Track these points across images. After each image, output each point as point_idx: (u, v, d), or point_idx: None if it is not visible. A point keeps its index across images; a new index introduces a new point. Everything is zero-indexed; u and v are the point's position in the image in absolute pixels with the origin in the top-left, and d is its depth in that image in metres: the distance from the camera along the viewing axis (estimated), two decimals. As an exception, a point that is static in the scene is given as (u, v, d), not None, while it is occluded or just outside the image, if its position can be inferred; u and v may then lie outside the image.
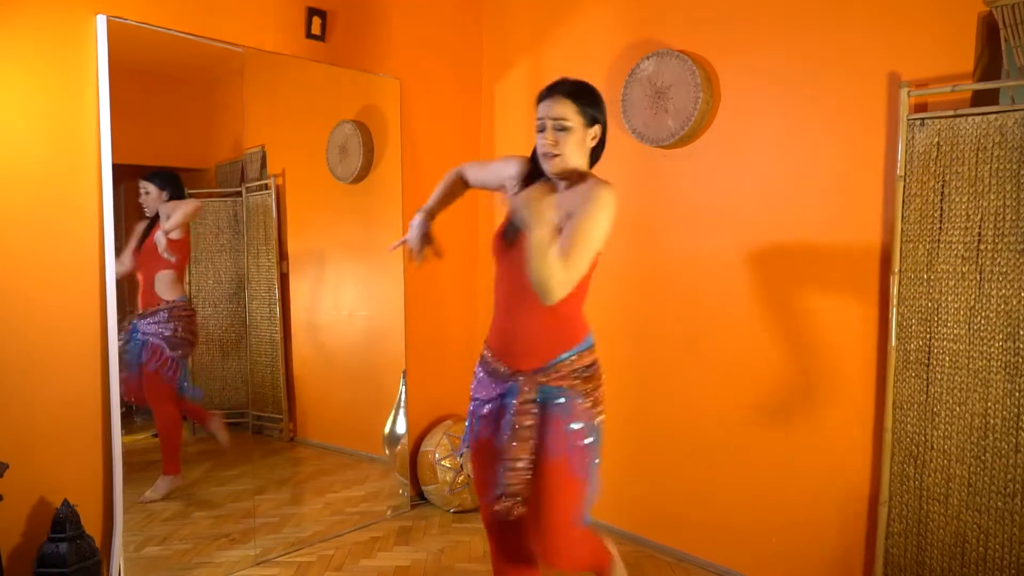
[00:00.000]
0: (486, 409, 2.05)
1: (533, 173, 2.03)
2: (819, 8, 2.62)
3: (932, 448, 2.38)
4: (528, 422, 1.94)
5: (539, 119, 1.94)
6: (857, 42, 2.53)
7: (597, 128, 1.97)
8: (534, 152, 2.01)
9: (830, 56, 2.60)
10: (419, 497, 3.72)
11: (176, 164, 3.38)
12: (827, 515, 2.67)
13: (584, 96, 1.94)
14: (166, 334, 3.10)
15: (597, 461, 2.00)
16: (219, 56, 3.13)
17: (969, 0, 2.28)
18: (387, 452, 3.76)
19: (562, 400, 1.94)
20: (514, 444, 1.94)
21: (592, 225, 1.84)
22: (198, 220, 3.41)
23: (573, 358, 1.97)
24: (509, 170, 2.10)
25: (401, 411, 3.70)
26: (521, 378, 1.97)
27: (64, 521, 2.35)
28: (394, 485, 3.74)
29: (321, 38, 3.15)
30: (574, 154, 1.93)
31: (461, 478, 3.52)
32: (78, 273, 2.58)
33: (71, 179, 2.55)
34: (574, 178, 1.97)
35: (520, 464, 1.94)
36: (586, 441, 1.95)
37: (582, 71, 3.36)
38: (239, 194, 3.42)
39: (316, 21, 3.09)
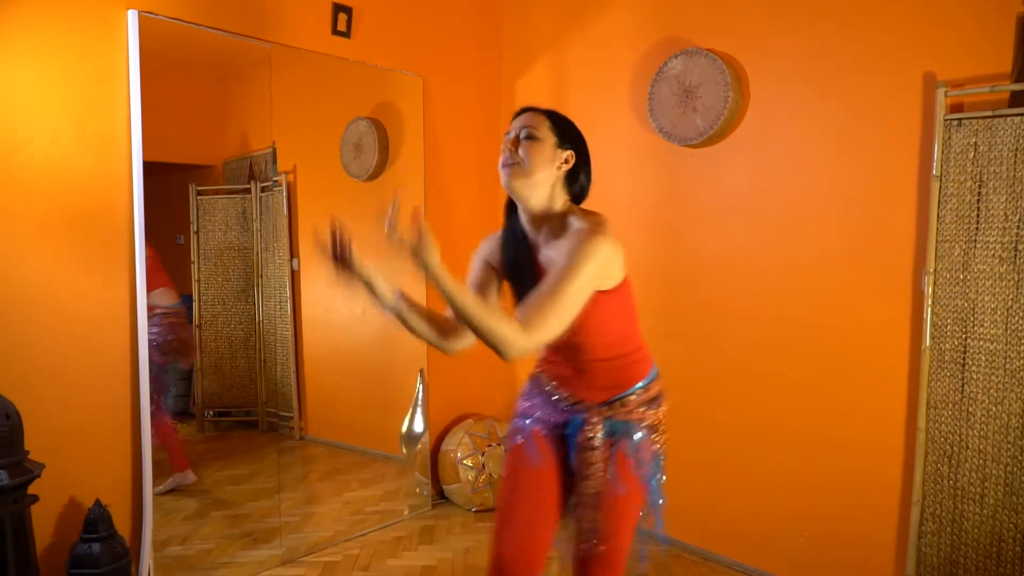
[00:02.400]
0: (542, 430, 1.84)
1: (509, 218, 1.83)
2: (852, 7, 2.62)
3: (967, 448, 2.39)
4: (599, 459, 1.76)
5: (507, 134, 1.75)
6: (891, 42, 2.53)
7: (570, 153, 1.73)
8: (508, 201, 1.82)
9: (863, 56, 2.60)
10: (439, 496, 3.71)
11: (183, 160, 3.36)
12: (856, 514, 2.67)
13: (561, 119, 1.76)
14: (157, 340, 3.03)
15: (661, 501, 1.86)
16: (229, 52, 3.11)
17: (1007, 0, 2.28)
18: (404, 451, 3.75)
19: (631, 435, 1.78)
20: (589, 482, 1.75)
21: (573, 284, 1.54)
22: (207, 218, 3.39)
23: (640, 392, 1.81)
24: (483, 250, 1.91)
25: (419, 410, 3.69)
26: (585, 411, 1.78)
27: (97, 521, 2.33)
28: (411, 484, 3.73)
29: (346, 35, 3.14)
30: (539, 168, 1.68)
31: (483, 477, 3.51)
32: (108, 272, 2.56)
33: (102, 177, 2.53)
34: (554, 218, 1.73)
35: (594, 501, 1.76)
36: (652, 480, 1.82)
37: (607, 68, 3.38)
38: (248, 191, 3.40)
39: (342, 17, 3.08)
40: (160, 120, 3.06)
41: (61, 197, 2.44)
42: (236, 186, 3.41)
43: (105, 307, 2.55)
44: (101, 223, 2.53)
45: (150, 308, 2.96)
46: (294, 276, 3.54)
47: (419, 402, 3.67)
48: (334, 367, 3.84)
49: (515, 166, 1.70)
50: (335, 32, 3.10)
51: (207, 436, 3.57)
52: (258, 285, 3.44)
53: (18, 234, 2.35)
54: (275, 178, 3.40)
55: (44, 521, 2.34)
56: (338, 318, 3.84)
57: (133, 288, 2.59)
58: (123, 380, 2.59)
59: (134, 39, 2.52)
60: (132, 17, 2.51)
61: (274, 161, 3.44)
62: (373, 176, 3.66)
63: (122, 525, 2.54)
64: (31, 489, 2.14)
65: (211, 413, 3.54)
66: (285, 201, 3.48)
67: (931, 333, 2.43)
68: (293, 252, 3.51)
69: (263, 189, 3.39)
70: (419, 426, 3.68)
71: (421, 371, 3.66)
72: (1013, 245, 2.27)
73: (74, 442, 2.46)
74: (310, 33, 3.06)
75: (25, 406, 2.18)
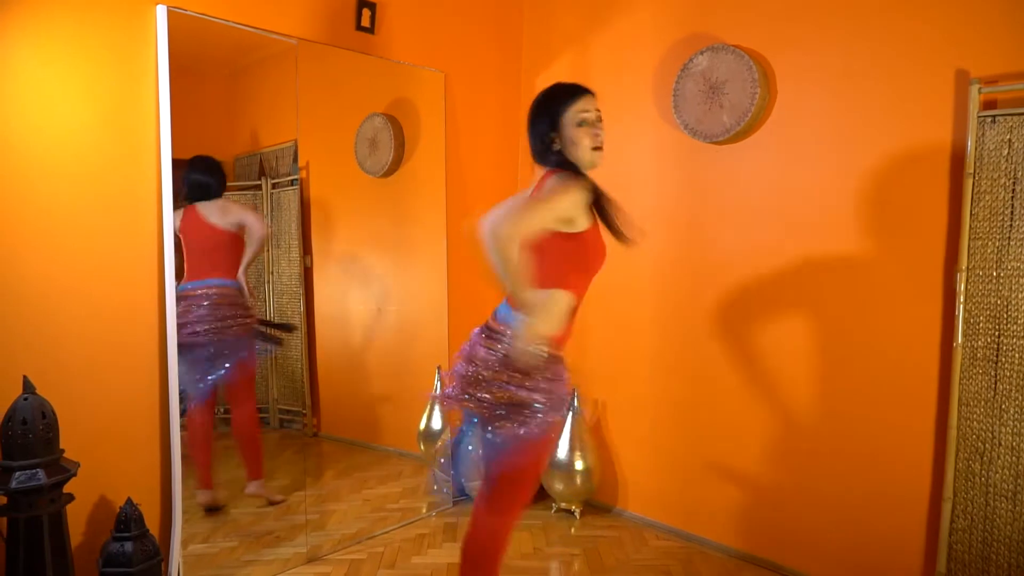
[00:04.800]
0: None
1: (570, 170, 2.00)
2: (882, 3, 2.61)
3: (1000, 445, 2.39)
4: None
5: (586, 112, 1.98)
6: (923, 39, 2.53)
7: None
8: (559, 152, 2.00)
9: (894, 52, 2.60)
10: (459, 493, 3.70)
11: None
12: (886, 511, 2.67)
13: None
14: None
15: None
16: (241, 47, 3.08)
17: (1042, -3, 2.28)
18: (422, 448, 3.74)
19: None
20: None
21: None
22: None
23: None
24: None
25: (437, 407, 3.68)
26: None
27: (129, 520, 2.31)
28: (430, 481, 3.72)
29: (370, 30, 3.12)
30: None
31: (505, 474, 3.50)
32: (137, 271, 2.54)
33: (130, 174, 2.51)
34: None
35: None
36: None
37: (630, 65, 3.37)
38: (259, 187, 3.37)
39: (366, 13, 3.06)
40: (171, 116, 3.04)
41: (91, 195, 2.42)
42: (247, 182, 3.38)
43: (134, 305, 2.53)
44: (130, 220, 2.52)
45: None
46: (307, 273, 3.52)
47: (437, 400, 3.66)
48: (348, 364, 3.83)
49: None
50: (359, 28, 3.08)
51: (219, 433, 3.55)
52: (269, 282, 3.42)
53: (50, 233, 2.33)
54: (294, 176, 3.38)
55: (75, 519, 2.32)
56: (352, 315, 3.83)
57: (162, 287, 2.58)
58: (151, 377, 2.58)
59: (163, 34, 2.50)
60: (161, 12, 2.49)
61: (295, 159, 3.43)
62: (389, 172, 3.64)
63: (151, 523, 2.52)
64: (65, 488, 2.12)
65: (221, 410, 3.52)
66: (299, 197, 3.46)
67: (963, 330, 2.43)
68: (306, 249, 3.49)
69: (274, 185, 3.37)
70: (437, 423, 3.67)
71: (439, 368, 3.65)
72: (1048, 242, 2.27)
73: (103, 440, 2.45)
74: (334, 28, 3.05)
75: (57, 404, 2.16)
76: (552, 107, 2.00)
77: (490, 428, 1.93)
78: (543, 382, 1.93)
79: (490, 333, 1.98)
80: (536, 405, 1.92)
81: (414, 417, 3.73)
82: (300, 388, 3.56)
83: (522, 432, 1.91)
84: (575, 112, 1.97)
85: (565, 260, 1.96)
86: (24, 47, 2.24)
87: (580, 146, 1.97)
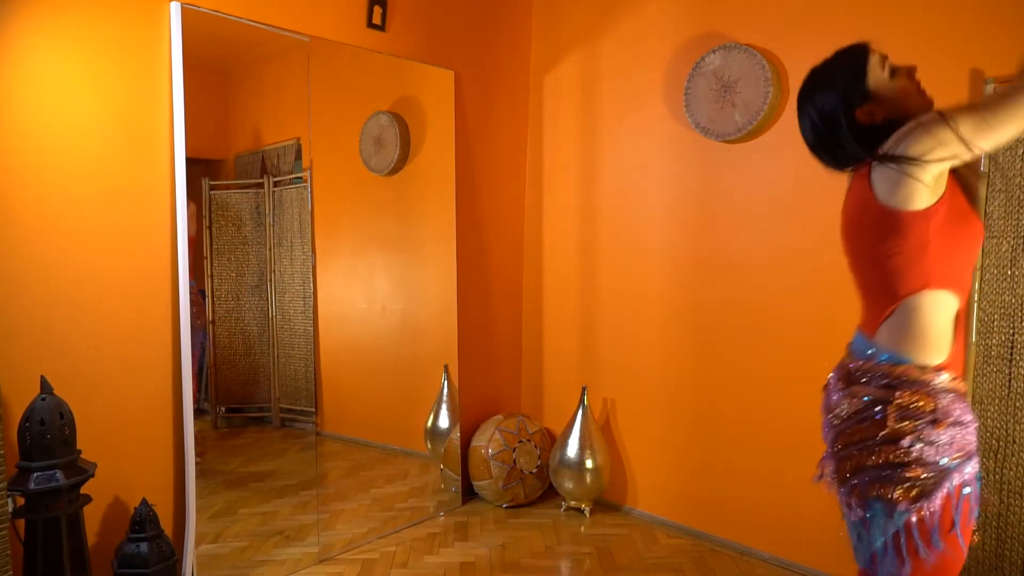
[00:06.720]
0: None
1: None
2: (896, 2, 2.62)
3: (1014, 442, 2.40)
4: None
5: (887, 59, 1.59)
6: (936, 37, 2.53)
7: None
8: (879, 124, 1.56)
9: (907, 51, 2.56)
10: (468, 492, 3.70)
11: (194, 155, 3.31)
12: (898, 509, 2.68)
13: None
14: None
15: None
16: (244, 45, 3.07)
17: (1057, -4, 2.29)
18: (429, 447, 3.74)
19: None
20: None
21: None
22: (220, 212, 3.35)
23: None
24: None
25: (444, 406, 3.67)
26: None
27: (144, 520, 2.30)
28: (437, 480, 3.71)
29: (381, 28, 3.11)
30: None
31: (514, 473, 3.50)
32: (150, 271, 2.53)
33: (144, 172, 2.49)
34: None
35: None
36: None
37: (641, 63, 3.37)
38: (261, 186, 3.36)
39: (377, 11, 3.05)
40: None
41: (105, 195, 2.40)
42: (249, 180, 3.37)
43: (148, 305, 2.52)
44: (144, 221, 2.50)
45: None
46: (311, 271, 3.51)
47: (443, 398, 3.65)
48: (352, 363, 3.81)
49: None
50: (370, 25, 3.07)
51: (221, 432, 3.53)
52: (271, 280, 3.41)
53: (64, 233, 2.32)
54: (300, 173, 3.36)
55: (89, 520, 2.30)
56: (356, 313, 3.81)
57: (175, 287, 2.57)
58: (164, 377, 2.56)
59: (177, 32, 2.49)
60: (175, 10, 2.48)
61: (298, 156, 3.41)
62: (394, 171, 3.63)
63: (164, 524, 2.50)
64: (82, 489, 2.11)
65: (223, 409, 3.50)
66: (308, 195, 3.44)
67: (977, 328, 2.44)
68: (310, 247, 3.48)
69: (276, 183, 3.36)
70: (444, 422, 3.66)
71: (446, 367, 3.65)
72: (1064, 241, 2.28)
73: (117, 440, 2.43)
74: (346, 26, 3.03)
75: (72, 405, 2.14)
76: (853, 70, 1.57)
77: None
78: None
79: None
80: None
81: (420, 415, 3.72)
82: (303, 387, 3.55)
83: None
84: (880, 65, 1.56)
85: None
86: (40, 44, 2.23)
87: (908, 92, 1.57)
